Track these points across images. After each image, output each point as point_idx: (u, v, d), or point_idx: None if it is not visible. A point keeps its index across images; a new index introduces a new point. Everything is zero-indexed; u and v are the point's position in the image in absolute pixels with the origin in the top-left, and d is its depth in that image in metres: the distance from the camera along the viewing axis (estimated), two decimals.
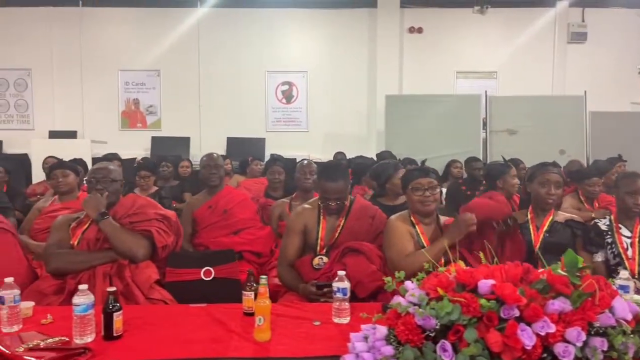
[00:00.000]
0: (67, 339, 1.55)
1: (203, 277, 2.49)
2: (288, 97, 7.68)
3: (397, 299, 1.42)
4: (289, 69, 7.60)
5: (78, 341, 1.56)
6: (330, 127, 7.55)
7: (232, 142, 7.35)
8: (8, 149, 7.48)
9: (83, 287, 1.61)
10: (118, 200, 2.46)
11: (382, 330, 1.36)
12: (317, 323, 1.75)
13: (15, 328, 1.67)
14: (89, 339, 1.58)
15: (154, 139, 7.40)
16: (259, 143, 7.36)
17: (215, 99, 7.56)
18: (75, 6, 7.49)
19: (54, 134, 7.40)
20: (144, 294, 2.15)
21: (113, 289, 1.64)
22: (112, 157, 5.52)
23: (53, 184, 3.33)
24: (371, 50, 7.47)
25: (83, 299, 1.58)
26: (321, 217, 2.45)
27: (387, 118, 6.79)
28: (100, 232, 2.29)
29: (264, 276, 1.67)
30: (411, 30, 7.50)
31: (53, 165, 3.44)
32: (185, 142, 7.39)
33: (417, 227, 2.27)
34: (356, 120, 7.56)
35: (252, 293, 1.81)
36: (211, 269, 2.50)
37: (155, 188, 4.57)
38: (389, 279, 1.51)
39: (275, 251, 3.19)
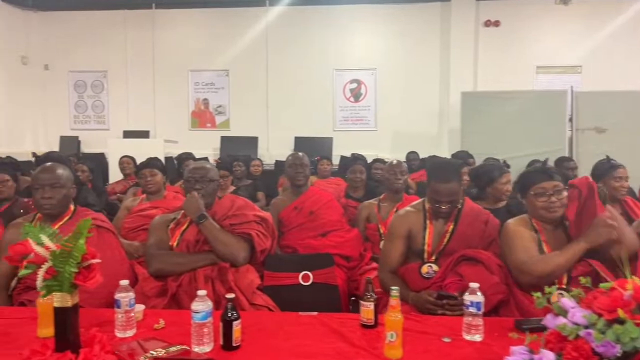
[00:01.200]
0: (187, 348, 1.47)
1: (301, 282, 2.39)
2: (356, 95, 7.54)
3: (558, 320, 1.24)
4: (358, 67, 7.47)
5: (197, 350, 1.48)
6: (399, 126, 7.34)
7: (299, 141, 7.29)
8: (86, 149, 7.78)
9: (202, 292, 1.52)
10: (214, 200, 2.40)
11: (550, 356, 1.18)
12: (447, 340, 1.58)
13: (130, 333, 1.61)
14: (208, 348, 1.49)
15: (223, 138, 7.47)
16: (327, 142, 7.26)
17: (282, 98, 7.55)
18: (149, 8, 7.68)
19: (127, 134, 7.62)
20: (248, 300, 2.07)
21: (232, 295, 1.54)
22: (187, 156, 5.57)
23: (142, 183, 3.35)
24: (444, 46, 7.20)
25: (202, 305, 1.50)
26: (427, 222, 2.27)
27: (462, 116, 6.50)
28: (200, 234, 2.23)
29: (395, 287, 1.52)
30: (487, 23, 7.16)
31: (141, 165, 3.46)
32: (253, 141, 7.40)
33: (539, 233, 2.05)
34: (427, 118, 7.32)
35: (372, 304, 1.67)
36: (309, 273, 2.40)
37: (233, 187, 4.55)
38: (539, 294, 1.33)
39: (365, 255, 3.06)
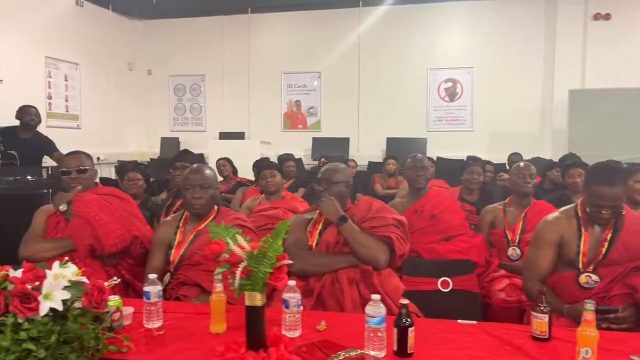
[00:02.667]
0: (366, 352, 1.45)
1: (440, 288, 2.33)
2: (451, 94, 7.33)
3: None
4: (453, 66, 7.26)
5: (373, 354, 1.46)
6: (497, 126, 7.05)
7: (391, 142, 7.21)
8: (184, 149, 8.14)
9: (376, 297, 1.50)
10: (346, 202, 2.39)
11: None
12: (636, 358, 1.46)
13: (296, 334, 1.62)
14: (382, 354, 1.47)
15: (314, 139, 7.55)
16: (420, 143, 7.12)
17: (374, 99, 7.50)
18: (245, 13, 7.93)
19: (223, 135, 7.90)
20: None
21: (406, 301, 1.51)
22: (287, 157, 5.67)
23: (262, 183, 3.43)
24: (548, 41, 6.83)
25: (378, 309, 1.48)
26: (582, 228, 2.13)
27: (570, 115, 6.13)
28: (339, 235, 2.22)
29: (590, 301, 1.42)
30: (597, 17, 6.70)
31: (262, 166, 3.55)
32: (344, 142, 7.42)
33: None
34: (528, 118, 6.97)
35: (546, 316, 1.58)
36: (449, 279, 2.33)
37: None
38: None
39: (491, 262, 2.94)
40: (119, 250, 2.38)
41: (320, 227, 2.32)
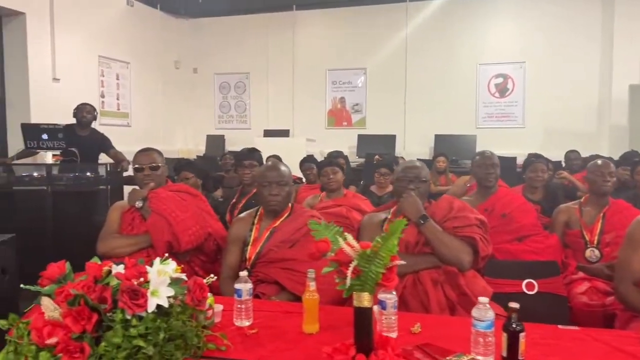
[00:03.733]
0: (473, 357, 1.39)
1: (525, 290, 2.24)
2: (502, 90, 7.14)
3: None
4: (504, 61, 7.06)
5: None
6: (550, 123, 6.82)
7: (440, 139, 7.07)
8: (229, 146, 8.21)
9: (484, 300, 1.44)
10: (425, 201, 2.33)
11: None
12: None
13: (392, 335, 1.58)
14: (491, 359, 1.41)
15: (360, 137, 7.48)
16: (470, 140, 6.96)
17: (421, 95, 7.38)
18: (289, 10, 7.92)
19: (268, 133, 7.92)
20: None
21: (516, 305, 1.44)
22: (337, 154, 5.62)
23: (324, 181, 3.39)
24: (606, 34, 6.56)
25: (486, 313, 1.41)
26: None
27: (630, 111, 5.87)
28: (419, 235, 2.16)
29: None
30: None
31: (322, 163, 3.52)
32: (390, 140, 7.32)
33: None
34: (583, 114, 6.72)
35: None
36: (534, 281, 2.24)
37: (392, 186, 4.48)
38: None
39: (567, 263, 2.82)
40: (194, 246, 2.38)
41: None
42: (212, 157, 7.62)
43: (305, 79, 7.94)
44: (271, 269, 2.18)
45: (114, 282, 1.46)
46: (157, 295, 1.37)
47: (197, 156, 7.90)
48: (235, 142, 8.08)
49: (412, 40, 7.39)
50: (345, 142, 7.56)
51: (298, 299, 2.09)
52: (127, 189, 5.31)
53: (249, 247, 2.28)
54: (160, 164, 2.63)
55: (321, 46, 7.87)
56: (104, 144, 5.26)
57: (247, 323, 1.68)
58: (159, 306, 1.37)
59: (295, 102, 8.02)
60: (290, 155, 5.78)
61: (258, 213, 2.36)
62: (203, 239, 2.40)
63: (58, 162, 5.01)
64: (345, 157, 6.12)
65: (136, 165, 2.59)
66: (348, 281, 1.28)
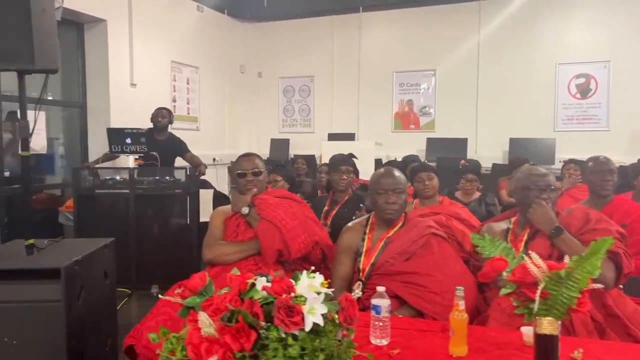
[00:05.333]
0: None
1: None
2: (584, 91, 6.74)
3: None
4: (587, 60, 6.67)
5: None
6: (638, 125, 6.37)
7: (515, 143, 6.75)
8: (293, 150, 8.19)
9: None
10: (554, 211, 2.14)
11: None
12: None
13: None
14: None
15: (429, 140, 7.27)
16: (548, 144, 6.62)
17: (495, 96, 7.08)
18: (356, 12, 7.82)
19: (332, 136, 7.84)
20: (636, 328, 1.77)
21: None
22: (413, 158, 5.46)
23: (418, 187, 3.24)
24: None
25: None
26: None
27: None
28: (552, 249, 1.99)
29: None
30: None
31: (416, 168, 3.37)
32: (461, 143, 7.06)
33: None
34: None
35: None
36: None
37: (479, 194, 4.28)
38: None
39: None
40: (303, 255, 2.30)
41: (525, 237, 2.10)
42: (277, 160, 7.62)
43: (371, 82, 7.81)
44: (389, 282, 2.05)
45: (257, 295, 1.39)
46: (313, 312, 1.28)
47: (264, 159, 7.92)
48: (299, 146, 8.05)
49: (485, 39, 7.11)
50: (412, 145, 7.37)
51: (419, 314, 1.97)
52: (202, 193, 5.37)
53: (362, 258, 2.17)
54: (262, 169, 2.57)
55: (388, 48, 7.72)
56: (180, 148, 5.34)
57: (385, 342, 1.56)
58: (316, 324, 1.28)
59: (361, 105, 7.90)
60: (358, 160, 5.66)
61: (369, 222, 2.25)
62: (311, 248, 2.32)
63: (136, 167, 5.12)
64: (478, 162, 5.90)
65: (239, 171, 2.54)
66: (536, 305, 1.14)
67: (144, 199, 4.69)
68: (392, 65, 7.67)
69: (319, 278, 1.41)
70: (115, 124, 5.52)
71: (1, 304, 2.33)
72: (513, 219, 2.22)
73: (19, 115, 2.44)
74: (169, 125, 5.37)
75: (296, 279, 1.41)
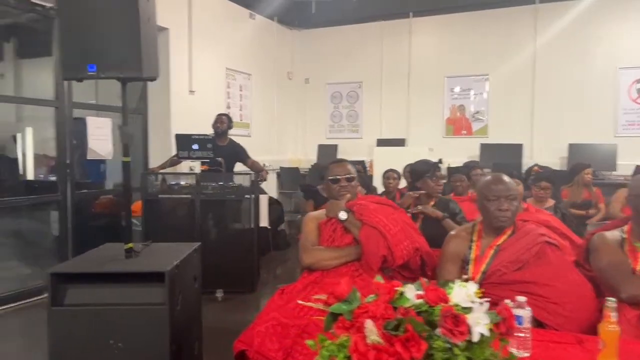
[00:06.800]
0: None
1: None
2: None
3: None
4: None
5: None
6: None
7: (575, 149, 6.58)
8: (341, 156, 8.17)
9: None
10: None
11: None
12: None
13: None
14: None
15: (483, 145, 7.15)
16: (609, 150, 6.42)
17: (551, 101, 6.93)
18: (405, 17, 7.78)
19: (382, 142, 7.80)
20: None
21: None
22: (474, 164, 5.38)
23: None
24: None
25: None
26: None
27: None
28: None
29: None
30: None
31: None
32: (516, 149, 6.92)
33: None
34: None
35: None
36: None
37: (553, 201, 4.17)
38: None
39: None
40: (405, 262, 2.28)
41: None
42: (325, 166, 7.61)
43: (422, 87, 7.74)
44: (503, 291, 2.00)
45: (407, 303, 1.37)
46: (479, 322, 1.25)
47: (311, 165, 7.95)
48: (347, 152, 8.04)
49: (541, 43, 6.96)
50: (464, 151, 7.26)
51: (539, 325, 1.91)
52: (262, 198, 5.41)
53: (471, 266, 2.13)
54: (355, 175, 2.57)
55: (439, 53, 7.65)
56: (241, 153, 5.40)
57: (526, 354, 1.52)
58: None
59: (411, 110, 7.84)
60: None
61: (476, 229, 2.21)
62: (412, 254, 2.29)
63: (195, 172, 5.20)
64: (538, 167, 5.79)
65: (331, 177, 2.54)
66: None
67: (208, 204, 4.75)
68: (443, 71, 7.59)
69: (472, 287, 1.38)
70: (175, 130, 5.61)
71: (107, 307, 2.37)
72: (626, 228, 2.14)
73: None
74: (228, 131, 5.44)
75: (447, 287, 1.39)
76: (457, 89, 7.56)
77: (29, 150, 9.11)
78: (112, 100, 5.49)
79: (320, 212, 2.57)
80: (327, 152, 8.19)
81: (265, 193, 5.78)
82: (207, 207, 4.77)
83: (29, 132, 9.38)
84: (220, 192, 4.74)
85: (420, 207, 3.11)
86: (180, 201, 4.80)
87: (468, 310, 1.26)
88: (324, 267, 2.31)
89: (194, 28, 6.10)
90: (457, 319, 1.23)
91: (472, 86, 7.46)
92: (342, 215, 2.38)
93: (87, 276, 2.37)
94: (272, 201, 6.94)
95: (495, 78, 7.31)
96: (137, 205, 5.32)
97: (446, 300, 1.33)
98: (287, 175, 7.96)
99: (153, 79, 2.56)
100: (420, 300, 1.33)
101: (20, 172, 8.73)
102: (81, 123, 5.24)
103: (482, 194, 2.14)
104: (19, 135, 8.18)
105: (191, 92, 6.14)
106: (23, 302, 4.43)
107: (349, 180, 2.52)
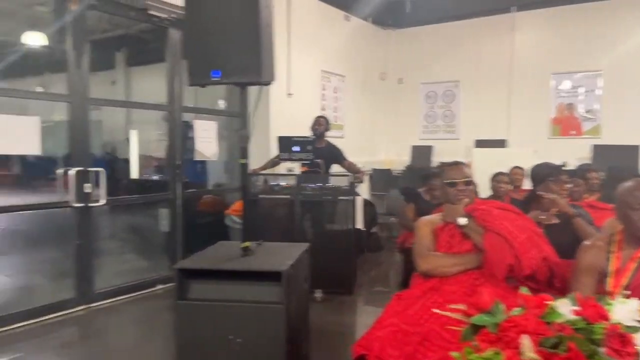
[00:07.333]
0: None
1: None
2: None
3: None
4: None
5: None
6: None
7: None
8: (436, 157, 7.96)
9: None
10: None
11: None
12: None
13: None
14: None
15: (596, 147, 6.62)
16: None
17: None
18: (506, 12, 7.41)
19: (480, 143, 7.48)
20: None
21: None
22: (587, 167, 4.99)
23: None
24: None
25: None
26: None
27: None
28: None
29: None
30: None
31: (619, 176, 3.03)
32: (632, 151, 6.33)
33: None
34: None
35: None
36: None
37: None
38: None
39: None
40: (533, 272, 2.14)
41: None
42: (419, 168, 7.46)
43: (525, 85, 7.33)
44: None
45: (560, 319, 1.27)
46: None
47: (405, 167, 7.83)
48: (443, 153, 7.80)
49: None
50: (573, 152, 6.76)
51: None
52: (358, 200, 5.40)
53: (610, 279, 1.95)
54: (472, 178, 2.46)
55: (544, 49, 7.19)
56: (338, 155, 5.42)
57: None
58: None
59: (512, 109, 7.44)
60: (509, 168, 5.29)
61: (614, 239, 2.02)
62: (541, 264, 2.14)
63: (294, 173, 5.29)
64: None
65: (448, 180, 2.45)
66: None
67: (307, 205, 4.82)
68: (549, 67, 7.13)
69: (634, 304, 1.25)
70: (273, 132, 5.77)
71: (227, 303, 2.46)
72: None
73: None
74: (325, 133, 5.48)
75: (605, 302, 1.27)
76: (565, 87, 7.06)
77: (135, 152, 9.84)
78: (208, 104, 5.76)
79: (435, 217, 2.49)
80: (421, 153, 8.02)
81: (358, 195, 5.77)
82: (306, 208, 4.84)
83: (134, 134, 10.13)
84: (319, 193, 4.79)
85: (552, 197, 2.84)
86: (280, 201, 4.91)
87: (633, 329, 1.13)
88: (443, 274, 2.23)
89: (292, 32, 6.23)
90: (624, 339, 1.12)
91: (582, 83, 6.93)
92: (462, 220, 2.29)
93: (208, 272, 2.49)
94: (365, 203, 6.92)
95: (608, 74, 6.73)
96: (238, 205, 5.53)
97: (607, 318, 1.22)
98: (380, 177, 7.90)
99: (269, 83, 2.63)
100: (575, 317, 1.23)
101: (130, 172, 9.46)
102: (188, 126, 5.55)
103: (625, 202, 1.95)
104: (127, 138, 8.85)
105: (289, 95, 6.28)
106: (139, 293, 4.76)
107: (467, 184, 2.42)
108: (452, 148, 7.75)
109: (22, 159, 10.83)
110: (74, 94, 4.22)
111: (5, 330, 3.77)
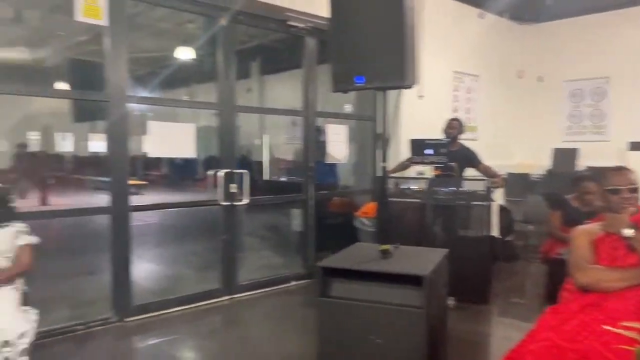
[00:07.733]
0: None
1: None
2: None
3: None
4: None
5: None
6: None
7: None
8: (582, 161, 7.28)
9: None
10: None
11: None
12: None
13: None
14: None
15: None
16: None
17: None
18: None
19: (635, 146, 6.69)
20: None
21: None
22: None
23: None
24: None
25: None
26: None
27: None
28: None
29: None
30: None
31: None
32: None
33: None
34: None
35: None
36: None
37: None
38: None
39: None
40: None
41: None
42: (562, 172, 6.89)
43: None
44: None
45: None
46: None
47: (547, 170, 7.29)
48: (590, 156, 7.11)
49: None
50: None
51: None
52: (494, 206, 5.13)
53: None
54: (638, 185, 2.21)
55: None
56: (473, 158, 5.23)
57: None
58: None
59: None
60: None
61: None
62: None
63: (425, 177, 5.20)
64: None
65: (610, 187, 2.23)
66: None
67: (439, 209, 4.71)
68: None
69: None
70: (404, 135, 5.73)
71: (367, 303, 2.50)
72: None
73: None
74: (458, 136, 5.32)
75: None
76: None
77: (266, 155, 10.45)
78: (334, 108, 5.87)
79: (593, 226, 2.29)
80: (564, 156, 7.39)
81: (493, 200, 5.48)
82: (438, 212, 4.73)
83: (266, 138, 10.76)
84: (452, 197, 4.66)
85: None
86: (410, 205, 4.86)
87: None
88: (604, 289, 2.04)
89: (425, 32, 6.13)
90: None
91: None
92: (628, 232, 2.07)
93: (349, 272, 2.55)
94: (500, 209, 6.55)
95: None
96: (369, 207, 5.60)
97: None
98: (516, 182, 7.42)
99: (410, 87, 2.62)
100: None
101: (263, 173, 10.07)
102: (319, 130, 5.75)
103: None
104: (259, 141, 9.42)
105: (420, 97, 6.19)
106: (275, 287, 5.04)
107: (632, 191, 2.19)
108: (601, 151, 7.04)
109: (171, 161, 12.11)
110: (223, 102, 4.62)
111: (164, 314, 4.23)
